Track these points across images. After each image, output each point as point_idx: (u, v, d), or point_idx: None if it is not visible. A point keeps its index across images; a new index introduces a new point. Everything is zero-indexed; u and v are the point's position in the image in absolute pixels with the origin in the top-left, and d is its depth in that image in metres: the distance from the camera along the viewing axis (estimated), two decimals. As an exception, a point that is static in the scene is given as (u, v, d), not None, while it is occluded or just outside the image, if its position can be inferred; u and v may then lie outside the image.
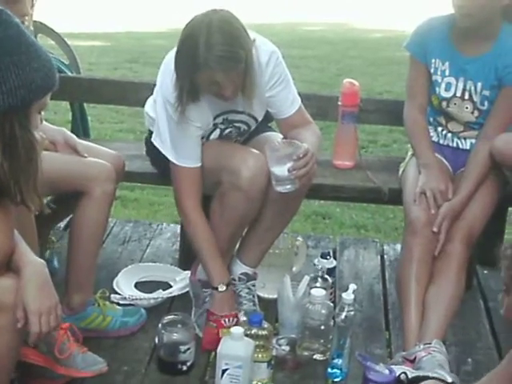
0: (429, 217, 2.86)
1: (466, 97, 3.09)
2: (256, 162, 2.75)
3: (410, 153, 3.25)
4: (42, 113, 2.11)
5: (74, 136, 2.97)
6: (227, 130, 2.95)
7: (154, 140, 2.92)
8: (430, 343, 2.67)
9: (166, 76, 2.78)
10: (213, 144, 2.93)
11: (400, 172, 3.24)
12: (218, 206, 2.85)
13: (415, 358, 2.66)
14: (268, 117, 3.08)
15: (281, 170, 2.67)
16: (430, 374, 2.55)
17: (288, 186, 2.69)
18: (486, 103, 3.07)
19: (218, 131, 2.93)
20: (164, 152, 2.88)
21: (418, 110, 3.20)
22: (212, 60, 2.56)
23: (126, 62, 8.95)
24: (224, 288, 2.82)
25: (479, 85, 3.06)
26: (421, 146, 3.13)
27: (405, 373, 2.60)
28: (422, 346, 2.66)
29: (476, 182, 2.98)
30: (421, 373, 2.58)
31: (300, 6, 13.03)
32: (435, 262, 2.85)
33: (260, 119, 3.01)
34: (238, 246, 3.04)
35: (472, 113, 3.10)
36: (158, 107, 2.86)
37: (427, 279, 2.83)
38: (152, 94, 3.06)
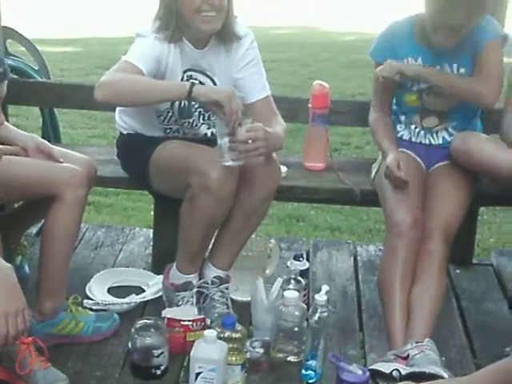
0: (414, 218, 2.87)
1: None
2: None
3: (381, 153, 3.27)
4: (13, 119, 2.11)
5: (47, 142, 2.95)
6: None
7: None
8: (421, 341, 2.69)
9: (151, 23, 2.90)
10: (180, 146, 2.94)
11: (373, 173, 3.25)
12: (189, 209, 2.85)
13: (408, 355, 2.67)
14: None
15: (224, 142, 2.68)
16: (427, 370, 2.56)
17: (228, 161, 2.69)
18: None
19: None
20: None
21: (381, 111, 3.26)
22: None
23: (98, 68, 8.87)
24: None
25: (455, 66, 3.11)
26: (384, 142, 3.16)
27: (397, 369, 2.61)
28: (414, 344, 2.68)
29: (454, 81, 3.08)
30: (416, 369, 2.59)
31: (271, 10, 13.05)
32: (417, 262, 2.87)
33: None
34: (209, 249, 3.04)
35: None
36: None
37: (411, 280, 2.85)
38: None
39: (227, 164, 2.70)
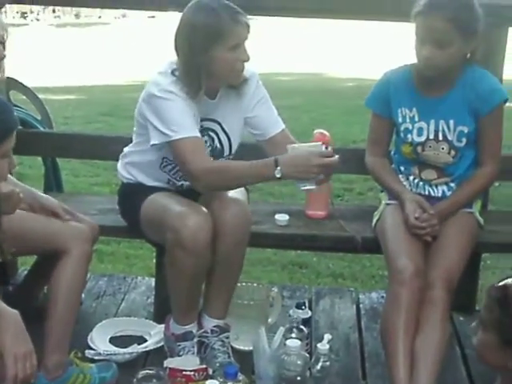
0: (416, 266, 2.87)
1: (440, 138, 3.12)
2: (197, 218, 2.78)
3: (383, 201, 3.26)
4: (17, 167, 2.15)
5: (55, 201, 2.99)
6: (203, 138, 2.97)
7: (152, 142, 2.90)
8: None
9: (163, 78, 2.89)
10: (161, 199, 2.97)
11: (374, 221, 3.24)
12: (168, 264, 2.88)
13: None
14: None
15: None
16: None
17: (307, 186, 2.79)
18: (463, 139, 3.11)
19: None
20: (165, 138, 2.86)
21: (380, 155, 3.28)
22: (236, 15, 2.81)
23: (101, 116, 8.95)
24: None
25: (452, 122, 3.10)
26: (392, 183, 3.20)
27: None
28: None
29: (467, 195, 3.10)
30: None
31: (273, 57, 13.16)
32: (420, 310, 2.84)
33: (234, 145, 3.07)
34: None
35: (449, 153, 3.13)
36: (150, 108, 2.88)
37: (414, 329, 2.82)
38: (125, 147, 3.18)
39: (307, 188, 2.81)
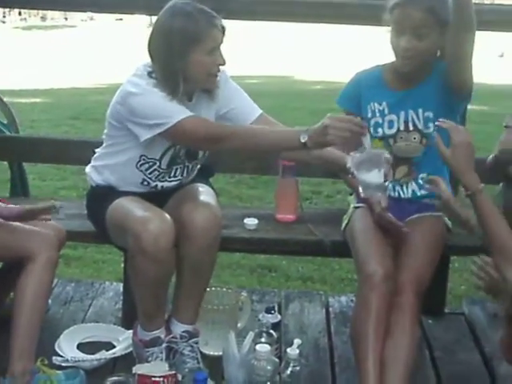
0: (386, 270, 2.86)
1: (411, 128, 3.14)
2: (158, 223, 2.76)
3: (352, 205, 3.26)
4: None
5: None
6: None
7: (144, 137, 2.87)
8: None
9: (140, 80, 2.87)
10: (125, 203, 2.94)
11: (343, 225, 3.24)
12: (131, 270, 2.87)
13: None
14: (209, 170, 3.11)
15: (374, 177, 2.70)
16: None
17: (379, 194, 2.78)
18: (430, 125, 3.12)
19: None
20: (161, 128, 2.82)
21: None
22: (213, 19, 2.82)
23: (68, 119, 8.90)
24: None
25: (420, 110, 3.13)
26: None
27: None
28: None
29: None
30: None
31: (241, 60, 13.16)
32: (389, 315, 2.84)
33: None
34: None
35: (420, 142, 3.15)
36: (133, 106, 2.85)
37: (384, 333, 2.82)
38: (93, 151, 3.15)
39: (379, 196, 2.84)
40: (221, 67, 2.96)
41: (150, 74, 2.89)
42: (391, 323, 2.83)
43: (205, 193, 3.03)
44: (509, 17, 3.65)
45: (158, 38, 2.88)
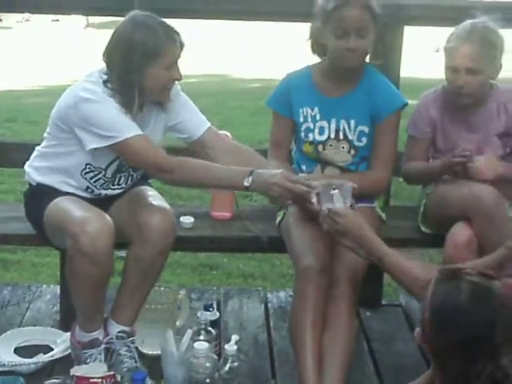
0: (322, 263, 2.89)
1: (341, 137, 3.17)
2: (97, 224, 2.75)
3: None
4: None
5: None
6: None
7: (89, 146, 2.85)
8: None
9: (94, 86, 2.85)
10: (65, 203, 2.91)
11: (277, 220, 3.26)
12: (70, 271, 2.85)
13: None
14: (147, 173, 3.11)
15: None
16: None
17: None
18: (363, 139, 3.17)
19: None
20: (108, 142, 2.82)
21: (282, 159, 3.28)
22: (173, 34, 2.82)
23: (4, 122, 8.76)
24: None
25: (352, 122, 3.16)
26: None
27: None
28: None
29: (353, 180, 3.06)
30: None
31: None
32: (326, 307, 2.87)
33: None
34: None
35: (349, 152, 3.18)
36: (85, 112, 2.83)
37: (322, 325, 2.84)
38: (31, 154, 3.10)
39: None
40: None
41: (105, 82, 2.87)
42: (328, 315, 2.86)
43: (157, 197, 3.03)
44: (438, 13, 3.69)
45: (116, 48, 2.86)
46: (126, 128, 2.82)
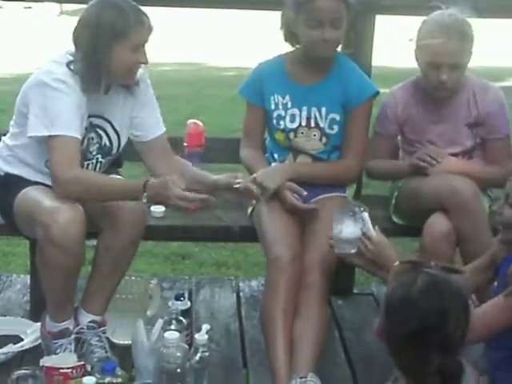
0: (293, 252, 2.90)
1: (312, 124, 3.18)
2: (68, 213, 2.73)
3: (258, 190, 3.27)
4: None
5: None
6: (90, 135, 2.95)
7: (30, 133, 2.82)
8: (305, 376, 2.71)
9: (56, 68, 2.83)
10: (34, 193, 2.88)
11: (249, 210, 3.25)
12: (40, 261, 2.82)
13: None
14: (119, 161, 3.09)
15: (351, 232, 2.69)
16: None
17: (346, 250, 2.73)
18: (335, 127, 3.17)
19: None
20: (40, 131, 2.80)
21: (254, 148, 3.29)
22: (142, 16, 2.81)
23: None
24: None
25: (324, 109, 3.16)
26: None
27: None
28: (298, 380, 2.70)
29: (323, 169, 3.16)
30: None
31: (154, 47, 13.05)
32: (298, 295, 2.88)
33: (123, 143, 3.05)
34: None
35: (320, 139, 3.19)
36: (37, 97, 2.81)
37: (293, 314, 2.85)
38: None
39: (344, 252, 2.75)
40: (145, 73, 3.00)
41: (68, 63, 2.85)
42: (299, 303, 2.87)
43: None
44: (409, 2, 3.71)
45: (84, 27, 2.85)
46: (65, 125, 2.79)
